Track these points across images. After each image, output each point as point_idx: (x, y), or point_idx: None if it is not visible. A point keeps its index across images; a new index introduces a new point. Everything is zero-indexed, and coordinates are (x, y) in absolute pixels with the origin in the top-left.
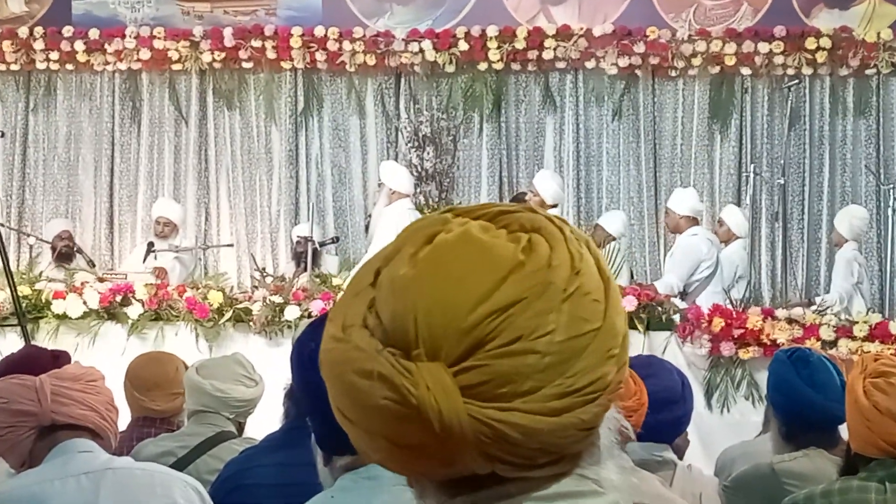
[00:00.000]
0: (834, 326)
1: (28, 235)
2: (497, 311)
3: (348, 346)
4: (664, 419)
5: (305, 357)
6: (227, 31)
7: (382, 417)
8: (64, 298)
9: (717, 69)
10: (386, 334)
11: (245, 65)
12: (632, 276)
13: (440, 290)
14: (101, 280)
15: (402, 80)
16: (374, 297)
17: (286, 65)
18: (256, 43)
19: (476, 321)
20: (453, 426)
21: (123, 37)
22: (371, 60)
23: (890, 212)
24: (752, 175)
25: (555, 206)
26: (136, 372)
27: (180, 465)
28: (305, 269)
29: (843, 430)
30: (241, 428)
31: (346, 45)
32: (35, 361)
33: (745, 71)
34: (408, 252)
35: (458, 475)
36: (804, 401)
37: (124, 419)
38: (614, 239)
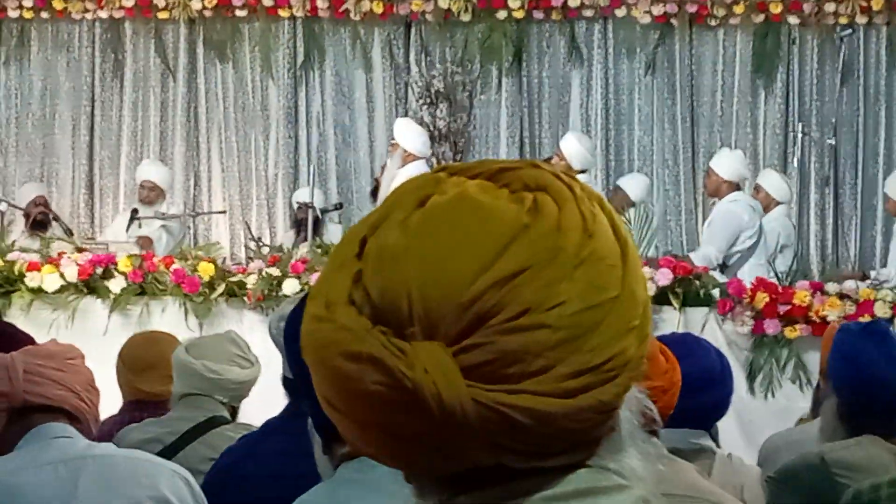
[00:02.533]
0: (891, 302)
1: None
2: (501, 281)
3: (333, 325)
4: (701, 403)
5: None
6: None
7: (374, 405)
8: (39, 271)
9: (761, 18)
10: (376, 311)
11: (239, 13)
12: (655, 249)
13: (435, 260)
14: (80, 250)
15: (413, 29)
16: (360, 269)
17: (284, 13)
18: None
19: (477, 293)
20: (455, 412)
21: None
22: (378, 8)
23: None
24: (799, 135)
25: (583, 171)
26: (130, 352)
27: (168, 452)
28: (306, 239)
29: None
30: (234, 413)
31: None
32: (8, 338)
33: (793, 20)
34: (397, 218)
35: (460, 468)
36: (881, 378)
37: (116, 403)
38: (633, 204)
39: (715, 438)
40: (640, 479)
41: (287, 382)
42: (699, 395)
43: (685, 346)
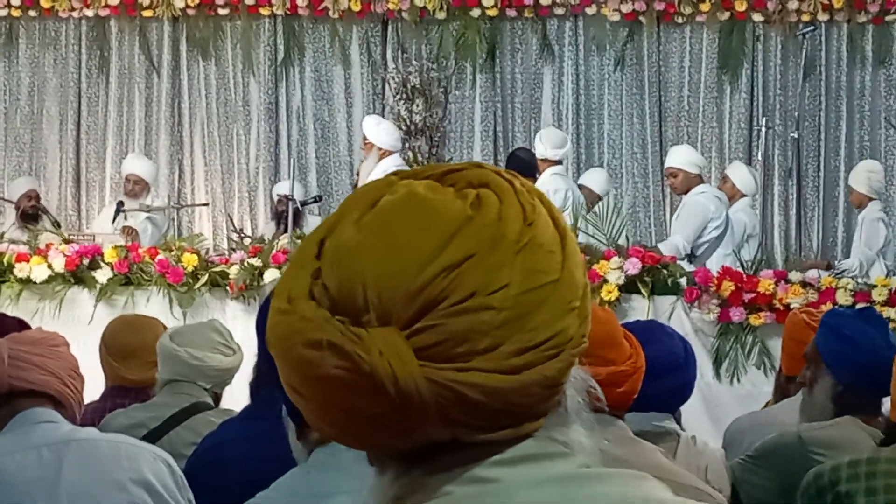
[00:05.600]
0: (852, 290)
1: None
2: (447, 268)
3: (295, 317)
4: (665, 387)
5: None
6: None
7: (335, 388)
8: (27, 261)
9: (726, 15)
10: (334, 302)
11: (221, 11)
12: (626, 240)
13: (387, 253)
14: (67, 242)
15: (390, 27)
16: (318, 267)
17: (265, 11)
18: None
19: (426, 281)
20: (410, 391)
21: None
22: (356, 6)
23: None
24: (763, 129)
25: (558, 162)
26: (112, 337)
27: (152, 437)
28: (286, 230)
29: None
30: (217, 399)
31: None
32: None
33: (757, 17)
34: (352, 217)
35: (418, 445)
36: (883, 361)
37: (99, 388)
38: (600, 198)
39: (679, 422)
40: (583, 449)
41: (261, 371)
42: (664, 379)
43: (650, 333)
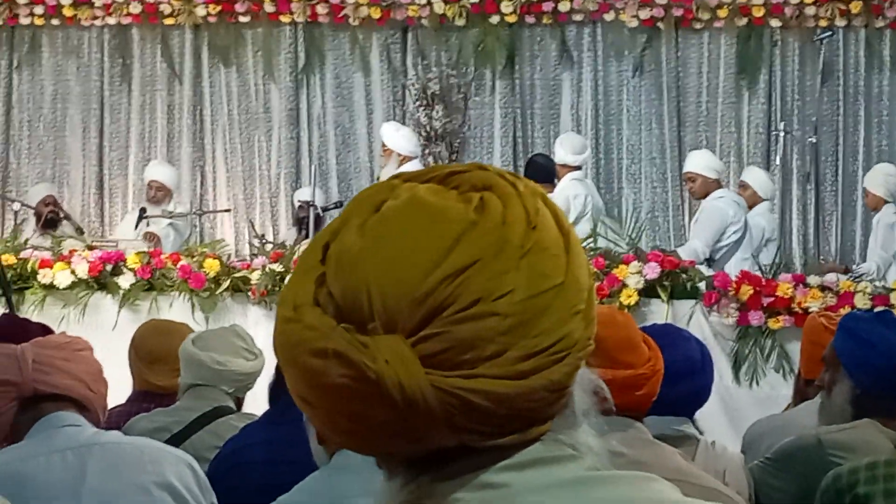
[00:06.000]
0: (870, 294)
1: (12, 201)
2: (452, 274)
3: (300, 325)
4: (683, 391)
5: None
6: None
7: (341, 396)
8: (51, 268)
9: (744, 21)
10: (339, 310)
11: (242, 19)
12: (651, 242)
13: (391, 259)
14: (90, 248)
15: (409, 34)
16: (323, 273)
17: (285, 18)
18: None
19: (431, 287)
20: (416, 399)
21: None
22: (376, 13)
23: None
24: (781, 134)
25: (578, 168)
26: (141, 341)
27: (175, 441)
28: (307, 236)
29: None
30: (239, 403)
31: None
32: (19, 330)
33: (775, 23)
34: (355, 223)
35: (425, 451)
36: None
37: (123, 394)
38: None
39: (696, 426)
40: (592, 451)
41: (281, 375)
42: (681, 383)
43: (667, 337)
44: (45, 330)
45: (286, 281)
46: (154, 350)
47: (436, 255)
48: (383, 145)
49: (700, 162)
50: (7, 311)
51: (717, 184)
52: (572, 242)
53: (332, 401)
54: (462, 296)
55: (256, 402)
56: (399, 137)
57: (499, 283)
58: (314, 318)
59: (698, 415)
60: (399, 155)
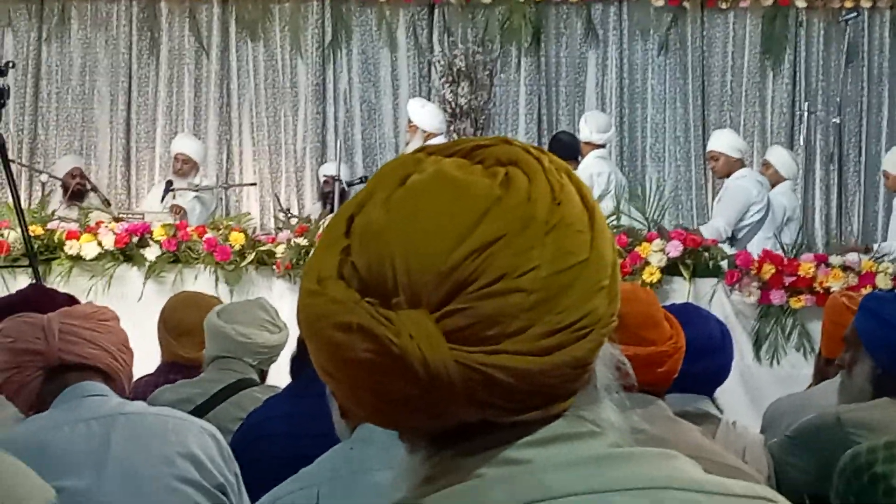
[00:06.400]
0: (892, 275)
1: (40, 172)
2: (477, 250)
3: (324, 299)
4: (702, 369)
5: None
6: None
7: (365, 371)
8: (77, 239)
9: (769, 1)
10: (363, 284)
11: None
12: (672, 220)
13: (416, 234)
14: (117, 220)
15: (436, 10)
16: (347, 245)
17: None
18: None
19: (456, 262)
20: (440, 374)
21: None
22: None
23: None
24: (806, 114)
25: (602, 146)
26: (170, 313)
27: (199, 412)
28: (332, 210)
29: None
30: (263, 376)
31: None
32: (46, 300)
33: (800, 3)
34: (380, 196)
35: (448, 426)
36: None
37: (149, 365)
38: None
39: (716, 405)
40: (613, 427)
41: (304, 348)
42: (701, 361)
43: (686, 315)
44: (72, 300)
45: (311, 254)
46: (182, 322)
47: (461, 230)
48: (409, 121)
49: (723, 141)
50: (34, 281)
51: (741, 163)
52: (597, 218)
53: (355, 375)
54: (487, 271)
55: (280, 375)
56: (424, 113)
57: (524, 259)
58: (338, 292)
59: (719, 393)
60: (424, 131)
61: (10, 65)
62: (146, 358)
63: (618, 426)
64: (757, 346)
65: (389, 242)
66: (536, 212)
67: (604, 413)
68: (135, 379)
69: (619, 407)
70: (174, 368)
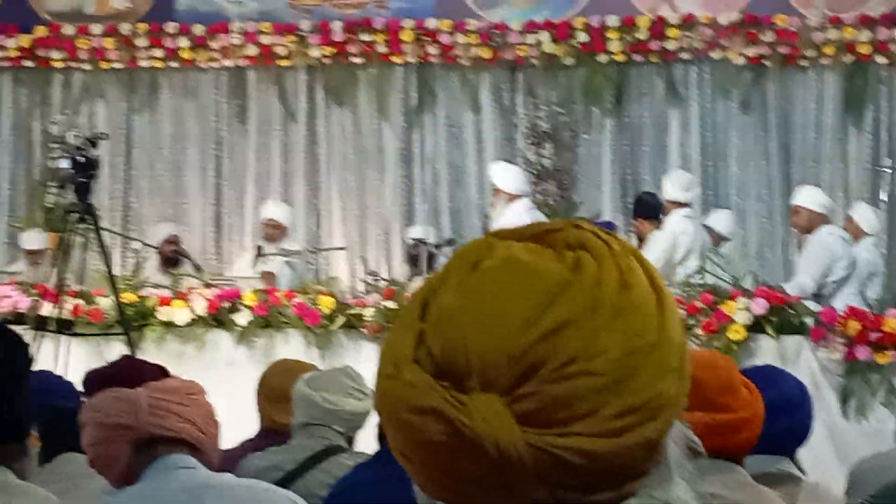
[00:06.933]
0: None
1: (133, 240)
2: (547, 333)
3: (400, 383)
4: (782, 428)
5: None
6: (336, 25)
7: (439, 453)
8: (170, 305)
9: (850, 58)
10: (437, 367)
11: (355, 60)
12: (755, 279)
13: (488, 318)
14: (208, 286)
15: (518, 73)
16: (422, 329)
17: (397, 59)
18: (366, 37)
19: (527, 346)
20: (512, 456)
21: (228, 32)
22: (486, 53)
23: None
24: (888, 170)
25: (687, 204)
26: (266, 380)
27: (289, 479)
28: (420, 273)
29: None
30: (351, 442)
31: (460, 38)
32: (135, 373)
33: (881, 60)
34: (454, 281)
35: None
36: None
37: (244, 429)
38: (726, 239)
39: (798, 466)
40: None
41: None
42: (781, 421)
43: (765, 376)
44: (163, 372)
45: (388, 337)
46: (276, 388)
47: (531, 314)
48: (493, 185)
49: (807, 196)
50: (128, 348)
51: (824, 219)
52: (665, 300)
53: (429, 456)
54: (557, 355)
55: (368, 441)
56: (507, 176)
57: (593, 343)
58: (413, 376)
59: (806, 450)
60: (508, 193)
61: (104, 136)
62: (236, 422)
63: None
64: (844, 402)
65: (462, 327)
66: (605, 296)
67: (675, 490)
68: (237, 444)
69: (696, 475)
70: (270, 434)
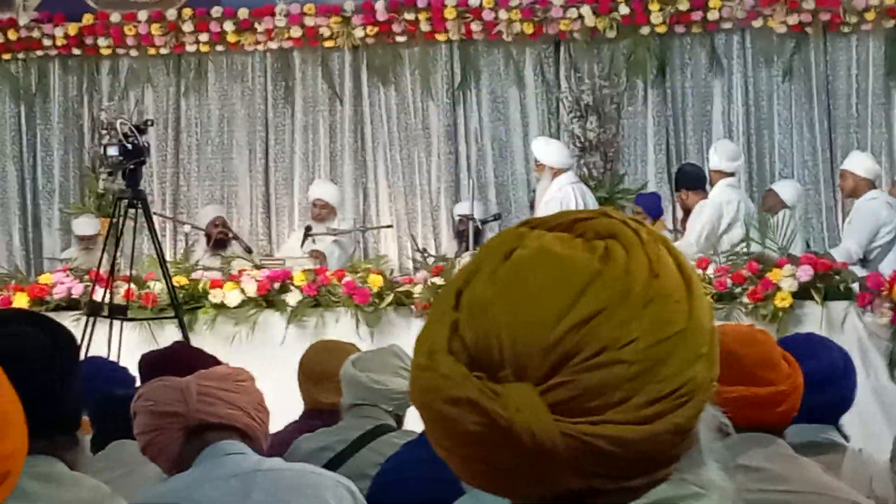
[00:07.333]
0: None
1: (183, 223)
2: (579, 323)
3: (435, 374)
4: (826, 398)
5: None
6: (380, 5)
7: (474, 443)
8: (221, 287)
9: (891, 23)
10: (471, 358)
11: (399, 39)
12: (807, 246)
13: (521, 308)
14: (258, 267)
15: (562, 47)
16: (456, 319)
17: (441, 37)
18: (410, 15)
19: (559, 336)
20: (546, 445)
21: (273, 15)
22: (529, 29)
23: None
24: None
25: (732, 174)
26: (308, 362)
27: (340, 459)
28: (468, 249)
29: None
30: (400, 421)
31: (503, 14)
32: (187, 361)
33: None
34: (486, 271)
35: (556, 493)
36: None
37: (293, 409)
38: (787, 207)
39: (841, 432)
40: (717, 488)
41: None
42: (824, 390)
43: (808, 346)
44: (215, 360)
45: (423, 327)
46: (319, 369)
47: (563, 304)
48: (536, 160)
49: (855, 161)
50: (180, 331)
51: (870, 184)
52: (694, 287)
53: (465, 446)
54: (589, 344)
55: (417, 420)
56: (550, 151)
57: (624, 332)
58: (448, 367)
59: (855, 414)
60: (552, 168)
61: (150, 122)
62: (288, 402)
63: (722, 486)
64: (891, 365)
65: (496, 317)
66: (634, 284)
67: (707, 475)
68: (284, 427)
69: (728, 456)
70: (315, 414)
